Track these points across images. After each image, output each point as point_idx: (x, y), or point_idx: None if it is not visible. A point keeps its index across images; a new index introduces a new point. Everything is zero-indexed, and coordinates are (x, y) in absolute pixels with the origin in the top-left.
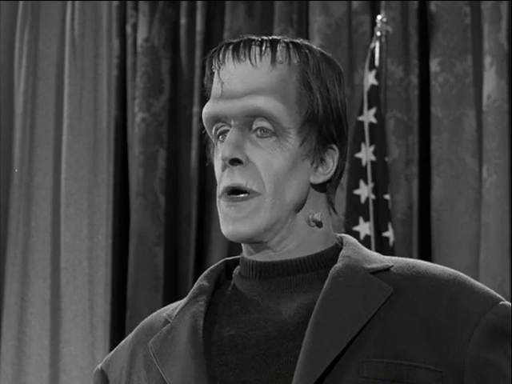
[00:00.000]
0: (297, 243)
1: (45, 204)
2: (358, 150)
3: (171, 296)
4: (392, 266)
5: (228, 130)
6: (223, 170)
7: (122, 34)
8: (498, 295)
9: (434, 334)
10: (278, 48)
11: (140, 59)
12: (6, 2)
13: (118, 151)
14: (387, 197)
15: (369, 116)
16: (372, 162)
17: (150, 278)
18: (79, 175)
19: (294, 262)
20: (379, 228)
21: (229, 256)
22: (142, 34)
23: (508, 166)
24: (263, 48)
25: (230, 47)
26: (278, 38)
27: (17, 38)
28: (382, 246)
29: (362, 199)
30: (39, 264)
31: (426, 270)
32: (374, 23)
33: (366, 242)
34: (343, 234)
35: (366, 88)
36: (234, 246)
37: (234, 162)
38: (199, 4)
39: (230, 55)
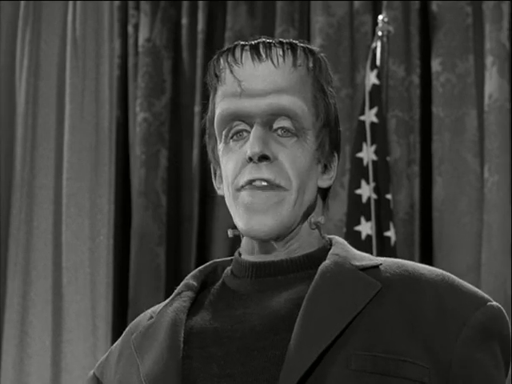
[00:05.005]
0: (299, 244)
1: (46, 204)
2: (360, 149)
3: None
4: (381, 264)
5: (244, 130)
6: (243, 165)
7: (124, 34)
8: (487, 296)
9: (421, 331)
10: (298, 51)
11: (141, 59)
12: (7, 1)
13: (119, 151)
14: (389, 196)
15: (370, 115)
16: (373, 162)
17: (151, 278)
18: (81, 175)
19: (284, 262)
20: (381, 228)
21: (231, 256)
22: (143, 34)
23: (510, 166)
24: (285, 49)
25: (247, 48)
26: (295, 41)
27: (18, 37)
28: (384, 246)
29: (364, 199)
30: (41, 264)
31: (414, 270)
32: (375, 23)
33: (367, 241)
34: (332, 236)
35: (368, 88)
36: (236, 246)
37: (262, 158)
38: (201, 4)
39: (249, 55)
